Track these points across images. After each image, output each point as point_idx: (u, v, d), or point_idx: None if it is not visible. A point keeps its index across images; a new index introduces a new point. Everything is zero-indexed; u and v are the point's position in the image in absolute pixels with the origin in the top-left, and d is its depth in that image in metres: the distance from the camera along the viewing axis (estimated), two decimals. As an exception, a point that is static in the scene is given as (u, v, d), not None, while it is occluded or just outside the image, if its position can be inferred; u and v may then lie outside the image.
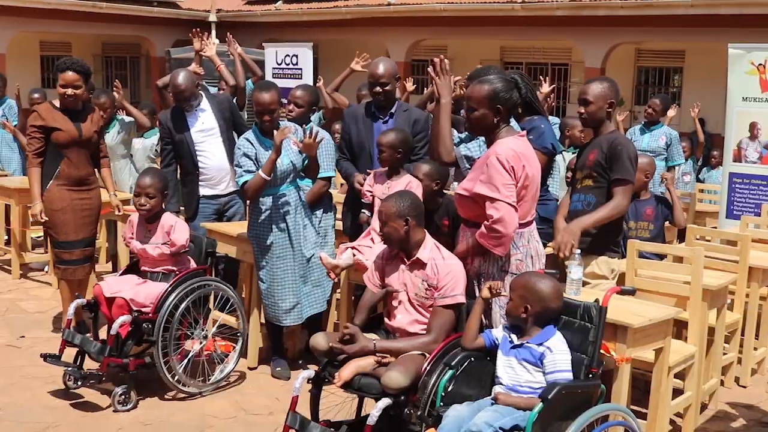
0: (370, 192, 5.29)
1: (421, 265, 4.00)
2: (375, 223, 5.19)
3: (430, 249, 4.02)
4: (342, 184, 6.97)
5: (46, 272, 7.98)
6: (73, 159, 5.80)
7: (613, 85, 4.77)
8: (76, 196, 5.83)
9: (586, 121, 4.80)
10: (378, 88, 5.50)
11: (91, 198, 5.94)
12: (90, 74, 5.98)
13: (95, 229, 6.08)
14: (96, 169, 6.12)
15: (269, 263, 5.33)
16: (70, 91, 5.71)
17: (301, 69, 11.09)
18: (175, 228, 5.21)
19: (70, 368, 5.02)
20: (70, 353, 5.08)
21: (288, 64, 11.34)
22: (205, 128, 6.29)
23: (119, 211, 6.20)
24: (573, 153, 7.05)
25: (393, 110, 5.57)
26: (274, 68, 11.47)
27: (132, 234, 5.32)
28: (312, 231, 5.45)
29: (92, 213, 5.96)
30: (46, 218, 5.74)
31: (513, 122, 4.70)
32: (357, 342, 3.88)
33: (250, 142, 5.32)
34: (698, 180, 10.54)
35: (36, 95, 8.60)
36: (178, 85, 6.15)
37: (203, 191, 6.36)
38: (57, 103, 5.89)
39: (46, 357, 5.06)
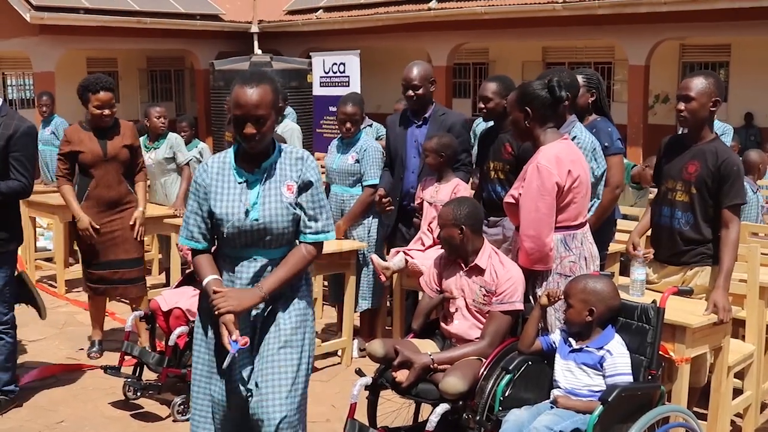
0: (420, 197, 5.35)
1: (479, 271, 4.01)
2: (425, 226, 5.24)
3: (488, 255, 4.03)
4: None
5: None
6: (102, 179, 5.74)
7: (717, 81, 4.24)
8: (105, 218, 5.75)
9: (686, 121, 4.24)
10: (410, 92, 5.50)
11: (124, 218, 5.82)
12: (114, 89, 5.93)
13: (135, 250, 5.90)
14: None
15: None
16: (107, 111, 5.68)
17: (348, 77, 11.14)
18: None
19: (129, 379, 5.11)
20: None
21: (335, 72, 11.41)
22: None
23: (134, 227, 5.86)
24: None
25: (428, 114, 5.57)
26: (321, 77, 11.55)
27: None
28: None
29: (126, 234, 5.82)
30: (98, 227, 5.67)
31: (578, 125, 4.68)
32: (414, 364, 3.82)
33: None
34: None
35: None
36: None
37: None
38: (85, 123, 5.83)
39: (106, 369, 5.17)
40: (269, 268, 3.30)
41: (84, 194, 5.77)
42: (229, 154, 3.35)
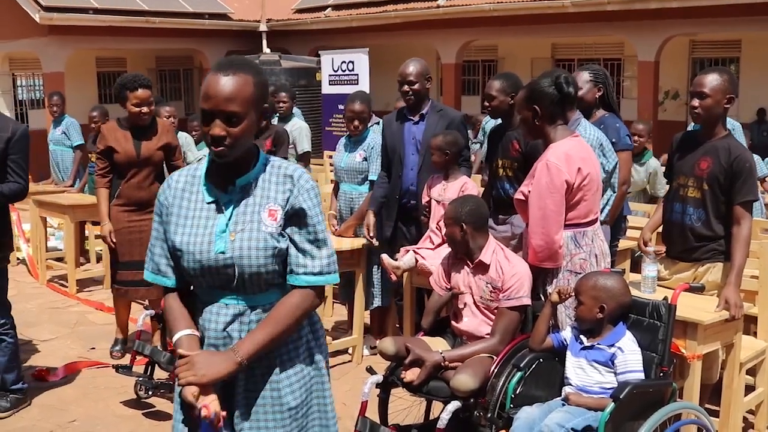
0: (428, 196, 5.35)
1: (484, 267, 4.02)
2: (433, 225, 5.23)
3: (492, 251, 4.03)
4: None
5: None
6: (134, 179, 5.77)
7: (731, 78, 4.23)
8: (135, 217, 5.77)
9: (700, 117, 4.23)
10: (405, 87, 5.48)
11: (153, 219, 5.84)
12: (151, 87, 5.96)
13: None
14: None
15: None
16: (145, 109, 5.68)
17: (357, 75, 11.17)
18: None
19: (141, 378, 5.12)
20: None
21: (344, 71, 11.44)
22: None
23: None
24: None
25: (425, 111, 5.56)
26: (330, 75, 11.57)
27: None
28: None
29: None
30: (115, 240, 5.75)
31: (583, 122, 4.67)
32: (425, 362, 3.83)
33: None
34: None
35: (94, 113, 8.81)
36: None
37: None
38: (123, 121, 5.83)
39: (117, 368, 5.19)
40: (248, 319, 2.50)
41: (115, 192, 5.80)
42: (201, 166, 2.61)
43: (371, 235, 5.66)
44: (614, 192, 4.75)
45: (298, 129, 7.95)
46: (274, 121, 8.11)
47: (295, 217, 2.50)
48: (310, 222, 2.51)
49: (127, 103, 5.68)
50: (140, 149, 5.74)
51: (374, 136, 6.04)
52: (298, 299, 2.50)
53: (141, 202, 5.78)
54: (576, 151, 3.88)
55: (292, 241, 2.51)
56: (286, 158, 7.08)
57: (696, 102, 4.22)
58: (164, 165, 5.96)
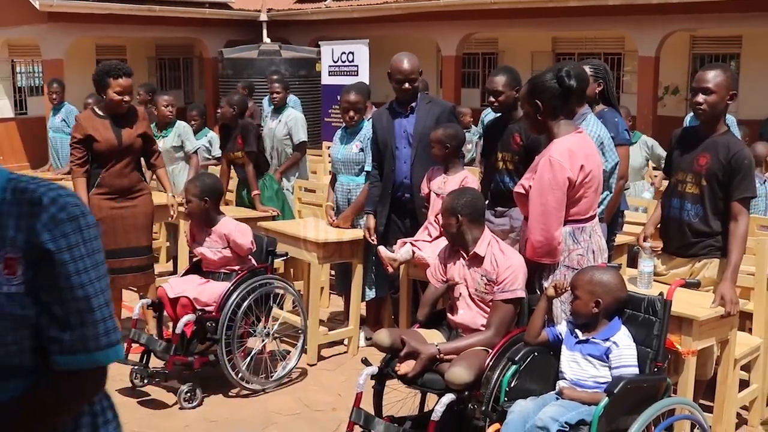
0: (427, 188, 5.34)
1: (479, 260, 4.02)
2: (432, 217, 5.24)
3: (488, 244, 4.04)
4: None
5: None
6: (115, 167, 5.73)
7: (733, 74, 4.24)
8: (116, 205, 5.75)
9: (704, 113, 4.19)
10: (407, 84, 5.42)
11: (136, 206, 5.82)
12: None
13: (145, 237, 5.93)
14: (151, 172, 6.14)
15: None
16: (127, 97, 5.66)
17: (357, 66, 11.15)
18: (234, 233, 5.22)
19: (136, 367, 5.13)
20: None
21: (344, 62, 11.42)
22: None
23: (173, 213, 6.14)
24: None
25: (415, 104, 5.53)
26: (330, 66, 11.55)
27: (191, 236, 5.40)
28: None
29: (138, 221, 5.83)
30: (102, 227, 5.73)
31: (589, 117, 4.66)
32: (420, 354, 3.84)
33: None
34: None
35: (90, 100, 8.79)
36: None
37: None
38: (99, 110, 5.79)
39: (113, 356, 5.16)
40: None
41: (96, 180, 5.76)
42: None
43: (372, 238, 5.65)
44: (611, 192, 4.74)
45: (293, 119, 7.91)
46: (268, 111, 8.10)
47: (41, 265, 1.60)
48: (64, 272, 1.60)
49: (109, 90, 5.61)
50: (121, 137, 5.71)
51: (370, 127, 6.04)
52: (49, 390, 1.65)
53: (123, 189, 5.78)
54: (579, 147, 3.87)
55: (41, 303, 1.62)
56: (258, 151, 7.07)
57: (701, 98, 4.20)
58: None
